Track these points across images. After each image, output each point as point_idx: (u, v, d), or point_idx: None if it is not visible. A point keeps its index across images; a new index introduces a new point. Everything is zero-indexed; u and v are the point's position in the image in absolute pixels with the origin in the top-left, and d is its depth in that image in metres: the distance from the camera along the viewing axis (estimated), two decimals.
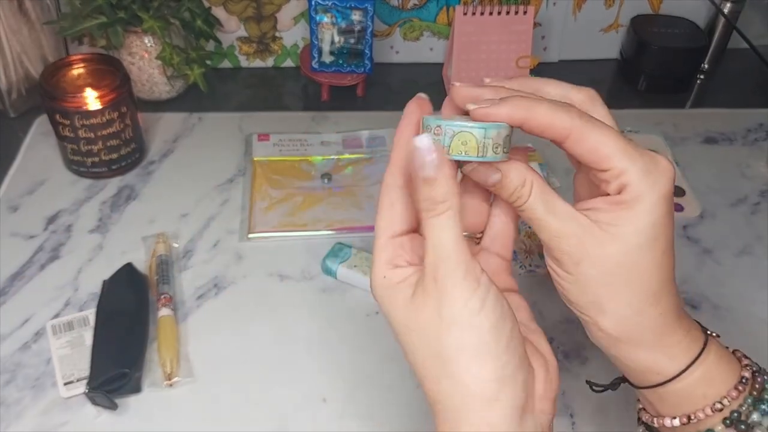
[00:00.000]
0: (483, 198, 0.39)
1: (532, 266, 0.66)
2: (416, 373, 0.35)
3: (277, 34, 0.90)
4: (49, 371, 0.57)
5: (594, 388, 0.47)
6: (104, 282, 0.62)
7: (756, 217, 0.74)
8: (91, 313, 0.60)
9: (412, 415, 0.55)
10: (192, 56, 0.82)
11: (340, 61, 0.84)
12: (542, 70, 0.89)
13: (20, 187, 0.73)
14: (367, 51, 0.83)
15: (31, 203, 0.71)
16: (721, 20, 0.91)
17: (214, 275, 0.65)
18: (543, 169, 0.76)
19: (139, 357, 0.57)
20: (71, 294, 0.63)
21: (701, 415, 0.38)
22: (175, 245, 0.67)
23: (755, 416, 0.37)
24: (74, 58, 0.73)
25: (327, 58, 0.84)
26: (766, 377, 0.38)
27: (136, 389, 0.55)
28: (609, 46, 0.95)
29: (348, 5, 0.80)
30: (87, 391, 0.54)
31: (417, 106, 0.37)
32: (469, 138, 0.33)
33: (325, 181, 0.74)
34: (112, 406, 0.54)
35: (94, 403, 0.54)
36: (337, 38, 0.82)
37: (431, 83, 0.90)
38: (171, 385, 0.56)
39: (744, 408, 0.37)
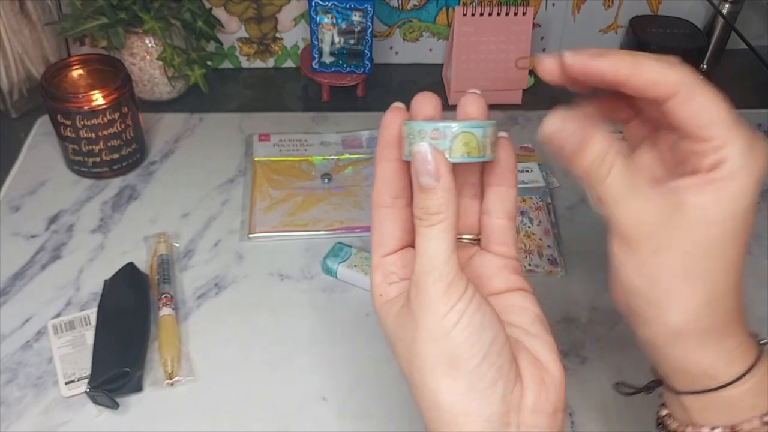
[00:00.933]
0: (471, 195, 0.37)
1: (532, 266, 0.66)
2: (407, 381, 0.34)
3: (277, 35, 0.91)
4: (50, 370, 0.57)
5: (624, 391, 0.44)
6: (105, 281, 0.62)
7: (755, 218, 0.74)
8: (92, 313, 0.60)
9: (411, 414, 0.55)
10: (193, 57, 0.82)
11: (340, 62, 0.85)
12: None
13: (22, 187, 0.73)
14: (367, 51, 0.83)
15: (32, 203, 0.71)
16: (720, 21, 0.91)
17: (214, 275, 0.65)
18: (542, 169, 0.76)
19: (140, 356, 0.57)
20: (72, 293, 0.63)
21: (746, 427, 0.35)
22: (176, 245, 0.68)
23: None
24: (75, 58, 0.74)
25: (327, 59, 0.84)
26: None
27: (137, 388, 0.56)
28: (608, 47, 0.95)
29: (348, 6, 0.80)
30: (88, 390, 0.54)
31: (394, 116, 0.35)
32: (470, 138, 0.32)
33: (325, 181, 0.75)
34: (113, 406, 0.54)
35: (95, 402, 0.54)
36: (337, 39, 0.83)
37: (431, 84, 0.90)
38: (172, 385, 0.56)
39: None
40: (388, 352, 0.58)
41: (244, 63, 0.93)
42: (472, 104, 0.35)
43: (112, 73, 0.72)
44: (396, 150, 0.35)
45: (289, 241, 0.69)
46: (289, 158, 0.77)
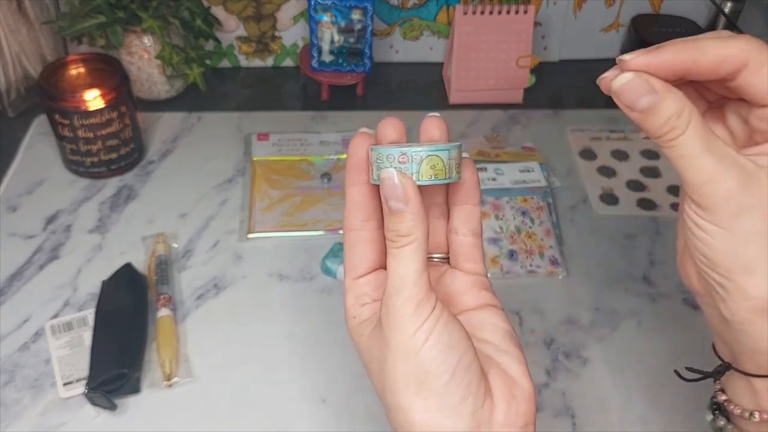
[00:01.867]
0: (438, 215, 0.38)
1: (532, 266, 0.66)
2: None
3: (276, 34, 0.90)
4: (48, 371, 0.57)
5: (688, 377, 0.41)
6: (103, 282, 0.62)
7: None
8: (90, 314, 0.60)
9: None
10: (191, 56, 0.82)
11: (340, 61, 0.84)
12: (542, 69, 0.89)
13: (19, 187, 0.73)
14: (366, 50, 0.83)
15: (30, 203, 0.71)
16: (722, 19, 0.91)
17: (213, 275, 0.65)
18: (543, 169, 0.75)
19: (138, 357, 0.57)
20: (70, 294, 0.63)
21: None
22: (175, 245, 0.67)
23: None
24: (73, 57, 0.73)
25: (327, 58, 0.84)
26: None
27: (135, 389, 0.55)
28: (609, 46, 0.95)
29: (348, 4, 0.80)
30: (86, 391, 0.54)
31: (360, 141, 0.36)
32: (437, 161, 0.33)
33: (325, 180, 0.74)
34: (111, 407, 0.54)
35: (93, 403, 0.54)
36: (336, 37, 0.82)
37: (431, 83, 0.90)
38: (170, 386, 0.56)
39: None
40: None
41: (243, 62, 0.92)
42: (434, 126, 0.36)
43: (110, 72, 0.72)
44: (364, 174, 0.36)
45: (288, 241, 0.68)
46: (288, 158, 0.77)
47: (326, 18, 0.81)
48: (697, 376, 0.40)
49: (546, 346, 0.60)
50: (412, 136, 0.36)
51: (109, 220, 0.70)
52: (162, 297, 0.61)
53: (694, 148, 0.31)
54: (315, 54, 0.84)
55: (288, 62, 0.93)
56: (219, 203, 0.72)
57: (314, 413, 0.55)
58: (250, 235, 0.68)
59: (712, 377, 0.39)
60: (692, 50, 0.31)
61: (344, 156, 0.77)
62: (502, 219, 0.70)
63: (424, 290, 0.32)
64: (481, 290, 0.37)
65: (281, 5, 0.87)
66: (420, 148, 0.32)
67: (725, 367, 0.38)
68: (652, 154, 0.79)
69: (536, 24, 0.91)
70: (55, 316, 0.61)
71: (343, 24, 0.81)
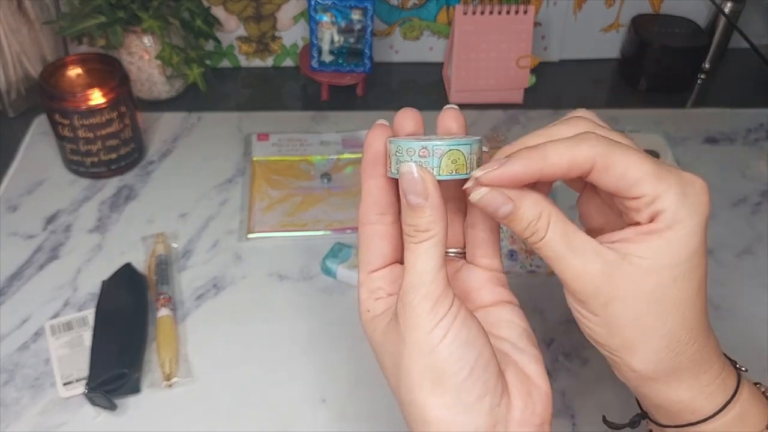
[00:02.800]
0: (455, 210, 0.38)
1: (532, 266, 0.66)
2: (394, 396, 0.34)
3: (276, 34, 0.90)
4: (48, 371, 0.57)
5: (610, 425, 0.44)
6: (103, 282, 0.62)
7: (757, 218, 0.73)
8: (90, 314, 0.60)
9: None
10: (191, 56, 0.82)
11: (340, 61, 0.84)
12: (542, 69, 0.89)
13: (19, 186, 0.73)
14: (366, 50, 0.83)
15: (30, 203, 0.71)
16: (722, 20, 0.90)
17: (213, 275, 0.65)
18: None
19: (138, 357, 0.57)
20: (70, 294, 0.63)
21: None
22: (174, 245, 0.67)
23: None
24: (73, 57, 0.73)
25: (327, 58, 0.84)
26: None
27: (135, 390, 0.55)
28: (609, 46, 0.95)
29: (348, 4, 0.80)
30: (86, 391, 0.54)
31: (378, 133, 0.35)
32: (458, 156, 0.32)
33: (325, 181, 0.74)
34: (111, 407, 0.54)
35: (93, 403, 0.54)
36: (336, 38, 0.82)
37: (431, 83, 0.90)
38: (170, 386, 0.56)
39: None
40: None
41: (243, 62, 0.92)
42: (451, 119, 0.36)
43: (110, 72, 0.72)
44: (381, 167, 0.35)
45: (288, 241, 0.68)
46: (289, 158, 0.77)
47: (326, 18, 0.81)
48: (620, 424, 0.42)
49: (546, 346, 0.60)
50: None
51: (109, 220, 0.70)
52: (162, 297, 0.61)
53: (558, 248, 0.32)
54: (315, 54, 0.84)
55: (288, 62, 0.93)
56: (219, 203, 0.72)
57: (314, 413, 0.55)
58: (250, 235, 0.68)
59: (630, 427, 0.42)
60: (538, 160, 0.32)
61: (344, 156, 0.77)
62: None
63: (442, 287, 0.32)
64: (497, 286, 0.37)
65: (281, 5, 0.88)
66: (441, 142, 0.32)
67: (641, 416, 0.41)
68: (651, 154, 0.79)
69: (536, 24, 0.91)
70: (55, 315, 0.61)
71: (343, 24, 0.81)
